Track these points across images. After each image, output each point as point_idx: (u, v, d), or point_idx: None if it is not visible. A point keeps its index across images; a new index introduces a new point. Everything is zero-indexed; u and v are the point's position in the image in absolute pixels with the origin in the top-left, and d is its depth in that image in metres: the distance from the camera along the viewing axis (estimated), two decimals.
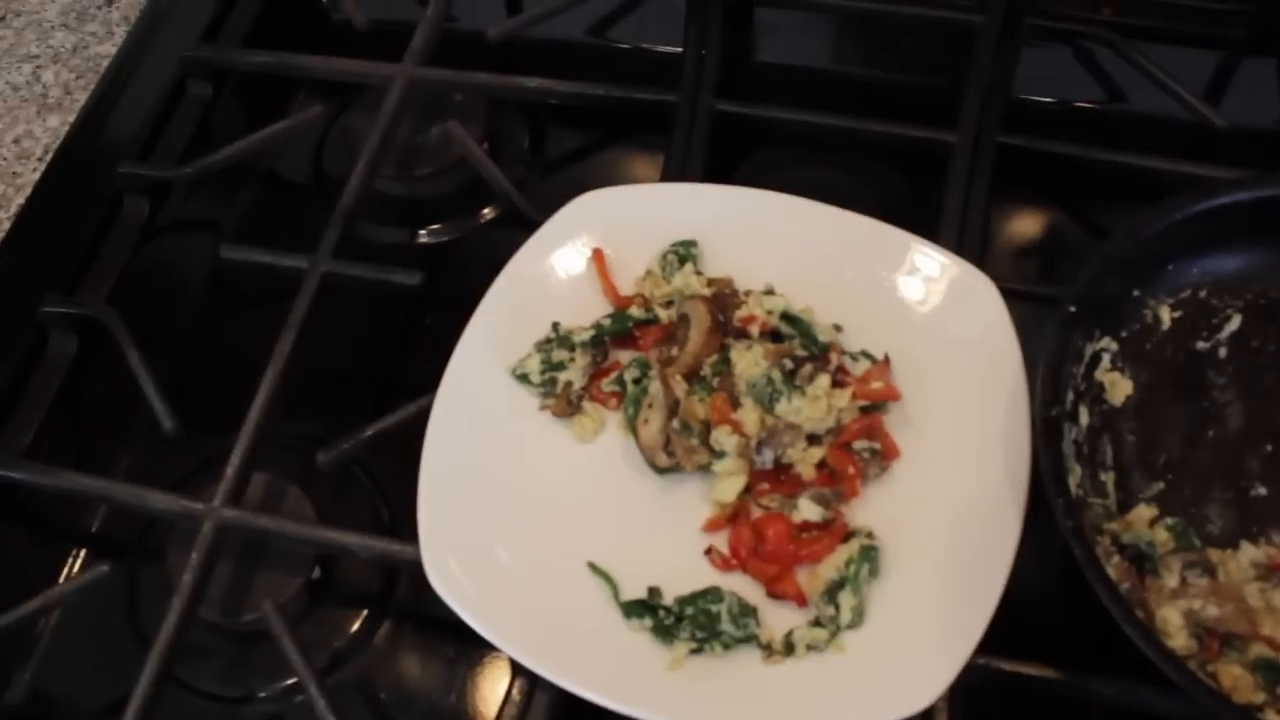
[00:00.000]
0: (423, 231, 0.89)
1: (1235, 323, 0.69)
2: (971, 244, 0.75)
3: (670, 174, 0.79)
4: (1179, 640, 0.59)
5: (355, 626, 0.73)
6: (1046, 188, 0.85)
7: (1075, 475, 0.63)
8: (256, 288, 0.86)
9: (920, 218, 0.75)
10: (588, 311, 0.72)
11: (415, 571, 0.73)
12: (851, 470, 0.64)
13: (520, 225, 0.88)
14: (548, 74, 0.87)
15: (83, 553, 0.76)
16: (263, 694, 0.70)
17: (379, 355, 0.84)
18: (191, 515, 0.69)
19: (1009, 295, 0.69)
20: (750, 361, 0.65)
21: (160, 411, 0.74)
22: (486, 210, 0.89)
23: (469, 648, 0.71)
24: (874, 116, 0.82)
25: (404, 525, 0.75)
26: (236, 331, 0.85)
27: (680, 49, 0.94)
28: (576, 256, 0.74)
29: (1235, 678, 0.59)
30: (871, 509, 0.66)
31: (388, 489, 0.77)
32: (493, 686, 0.69)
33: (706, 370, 0.67)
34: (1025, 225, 0.85)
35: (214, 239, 0.87)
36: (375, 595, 0.74)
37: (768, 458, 0.64)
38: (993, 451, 0.64)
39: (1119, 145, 0.79)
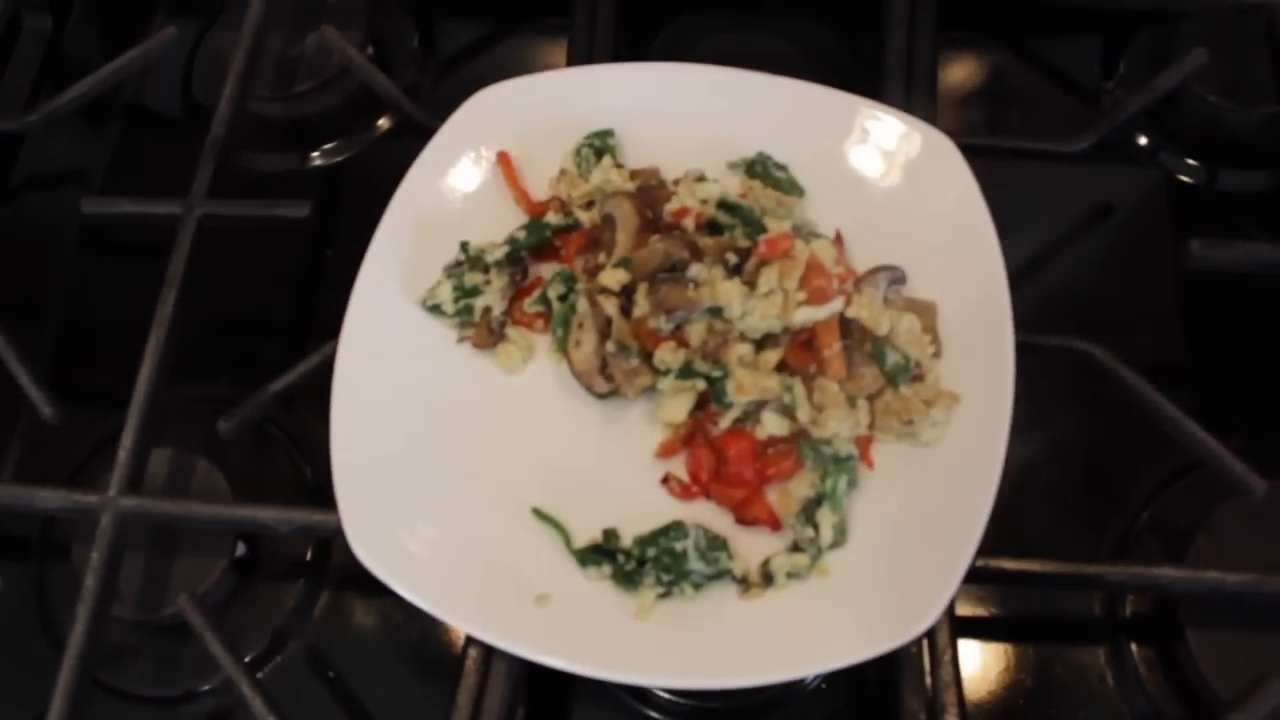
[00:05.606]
0: (315, 154, 0.80)
1: None
2: (920, 98, 0.67)
3: (576, 58, 0.70)
4: None
5: (292, 601, 0.66)
6: (985, 28, 0.77)
7: None
8: (134, 240, 0.77)
9: (862, 76, 0.67)
10: (500, 225, 0.64)
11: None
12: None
13: (421, 135, 0.80)
14: None
15: None
16: (205, 688, 0.64)
17: (280, 299, 0.76)
18: (86, 509, 0.62)
19: (967, 152, 0.61)
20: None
21: (36, 398, 0.65)
22: (382, 120, 0.80)
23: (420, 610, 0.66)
24: None
25: (330, 484, 0.69)
26: (117, 293, 0.76)
27: None
28: (479, 163, 0.65)
29: None
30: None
31: (307, 445, 0.70)
32: (451, 650, 0.63)
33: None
34: (970, 72, 0.76)
35: (78, 191, 0.78)
36: (309, 564, 0.67)
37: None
38: (971, 338, 0.58)
39: None
